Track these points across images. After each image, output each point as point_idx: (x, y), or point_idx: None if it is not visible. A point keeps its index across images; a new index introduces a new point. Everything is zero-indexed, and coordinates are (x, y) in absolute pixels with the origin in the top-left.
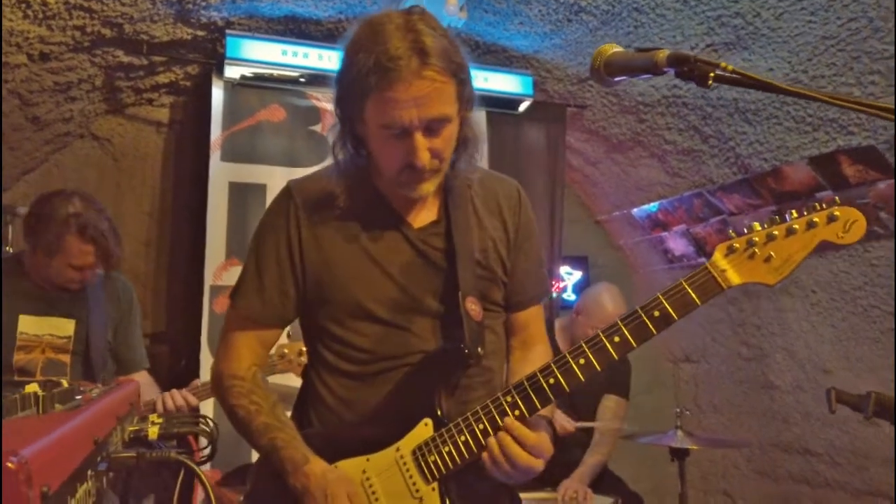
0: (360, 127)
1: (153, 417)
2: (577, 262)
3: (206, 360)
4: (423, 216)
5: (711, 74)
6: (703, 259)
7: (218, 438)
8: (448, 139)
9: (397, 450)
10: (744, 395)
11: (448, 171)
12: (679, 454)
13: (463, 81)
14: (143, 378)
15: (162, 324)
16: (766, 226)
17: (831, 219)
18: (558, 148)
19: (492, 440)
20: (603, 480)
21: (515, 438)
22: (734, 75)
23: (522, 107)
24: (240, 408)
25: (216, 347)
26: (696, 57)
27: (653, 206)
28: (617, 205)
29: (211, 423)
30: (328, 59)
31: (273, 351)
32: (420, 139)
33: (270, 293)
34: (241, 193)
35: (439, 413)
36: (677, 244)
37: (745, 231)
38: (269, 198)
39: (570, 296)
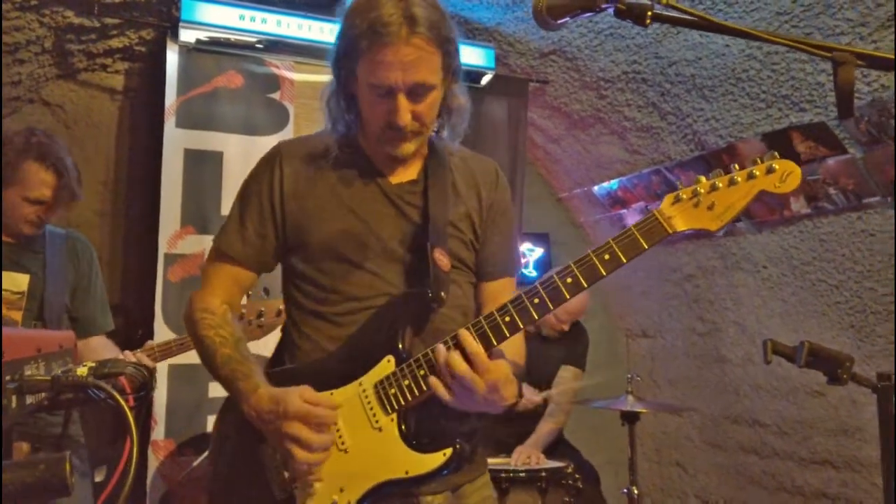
0: (354, 84)
1: (87, 362)
2: (539, 238)
3: (161, 330)
4: (403, 174)
5: (649, 13)
6: (672, 234)
7: (154, 388)
8: (430, 105)
9: (360, 384)
10: (697, 369)
11: (432, 137)
12: (629, 418)
13: (449, 53)
14: (101, 341)
15: (116, 294)
16: (711, 177)
17: (770, 170)
18: (520, 123)
19: (440, 346)
20: (557, 448)
21: (463, 351)
22: (671, 13)
23: (484, 80)
24: (206, 338)
25: (172, 314)
26: None
27: (613, 184)
28: (578, 182)
29: (146, 370)
30: (286, 26)
31: (252, 314)
32: (403, 101)
33: (251, 235)
34: (197, 161)
35: (401, 350)
36: (636, 221)
37: (693, 183)
38: (226, 166)
39: (531, 272)
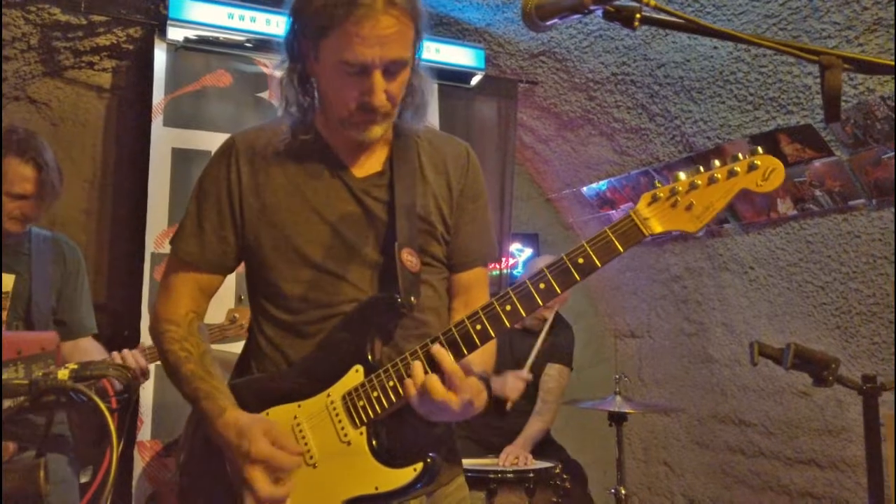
0: (313, 64)
1: (69, 364)
2: (528, 239)
3: (147, 329)
4: (367, 166)
5: (638, 16)
6: (649, 237)
7: (138, 388)
8: (402, 84)
9: (328, 395)
10: (685, 369)
11: (396, 121)
12: (617, 418)
13: (419, 28)
14: (88, 343)
15: (102, 293)
16: (689, 175)
17: (752, 167)
18: (509, 124)
19: (416, 364)
20: (545, 448)
21: (435, 366)
22: (660, 15)
23: (474, 80)
24: (170, 353)
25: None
26: None
27: (602, 185)
28: (567, 183)
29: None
30: (276, 25)
31: (224, 318)
32: (378, 79)
33: (209, 238)
34: (185, 159)
35: (370, 360)
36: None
37: (671, 181)
38: None
39: (520, 272)
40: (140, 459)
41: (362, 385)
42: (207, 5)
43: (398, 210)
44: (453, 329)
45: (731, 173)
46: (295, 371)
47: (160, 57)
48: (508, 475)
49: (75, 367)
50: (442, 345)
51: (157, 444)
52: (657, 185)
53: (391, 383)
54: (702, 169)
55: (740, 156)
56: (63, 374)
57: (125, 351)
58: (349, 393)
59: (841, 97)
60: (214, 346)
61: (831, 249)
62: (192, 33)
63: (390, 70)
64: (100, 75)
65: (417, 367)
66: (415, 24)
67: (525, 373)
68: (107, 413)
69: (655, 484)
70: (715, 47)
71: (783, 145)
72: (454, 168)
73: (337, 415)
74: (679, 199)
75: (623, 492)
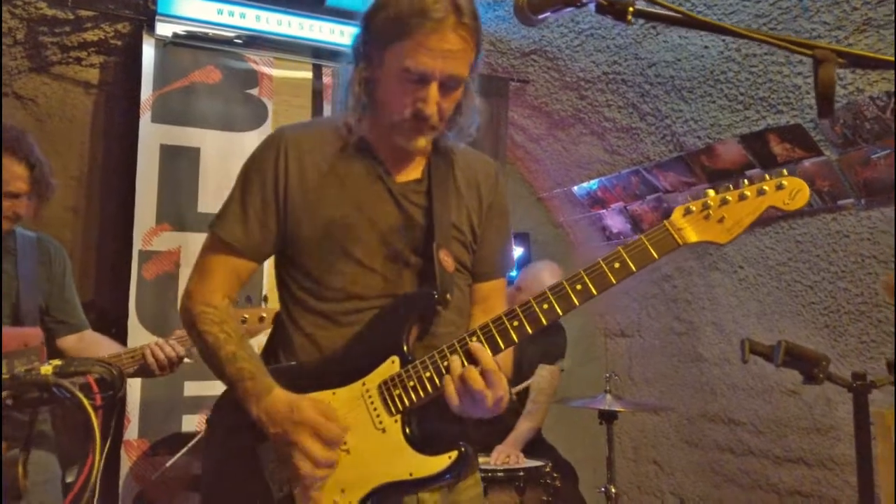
0: (375, 70)
1: (53, 361)
2: (519, 238)
3: (135, 328)
4: (407, 173)
5: (631, 9)
6: (639, 236)
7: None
8: (454, 101)
9: (363, 384)
10: (675, 368)
11: (437, 135)
12: (607, 417)
13: (478, 50)
14: (93, 335)
15: (89, 291)
16: (720, 192)
17: (779, 187)
18: (500, 122)
19: (455, 358)
20: (536, 447)
21: (476, 363)
22: (653, 9)
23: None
24: (209, 334)
25: (146, 312)
26: None
27: (592, 184)
28: (558, 182)
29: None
30: (266, 21)
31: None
32: (434, 90)
33: (252, 224)
34: (174, 156)
35: (406, 351)
36: (615, 221)
37: (703, 196)
38: (203, 161)
39: (512, 271)
40: (127, 459)
41: (399, 375)
42: (197, 1)
43: (435, 215)
44: (491, 324)
45: (760, 192)
46: (330, 360)
47: (148, 53)
48: (499, 474)
49: (59, 363)
50: (479, 340)
51: (145, 443)
52: (689, 199)
53: (427, 374)
54: (731, 187)
55: (767, 176)
56: (46, 370)
57: (160, 340)
58: (385, 382)
59: (834, 92)
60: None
61: (820, 249)
62: (180, 29)
63: (447, 84)
64: (87, 71)
65: (456, 360)
66: (477, 44)
67: (513, 390)
68: (90, 409)
69: (645, 482)
70: (706, 47)
71: (773, 145)
72: (485, 184)
73: (372, 402)
74: (711, 212)
75: (613, 490)
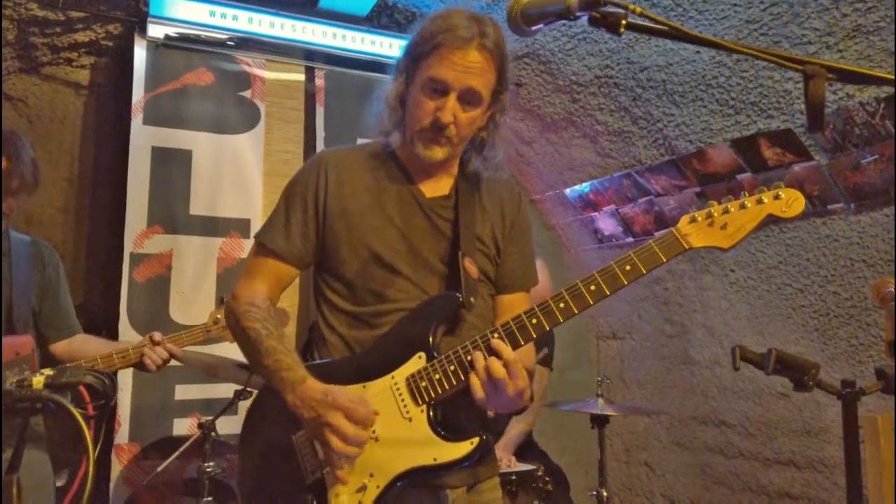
0: (410, 83)
1: (45, 370)
2: None
3: (126, 331)
4: (436, 189)
5: (623, 22)
6: (630, 239)
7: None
8: (471, 119)
9: (392, 377)
10: (666, 370)
11: (464, 158)
12: (599, 421)
13: (502, 80)
14: (83, 337)
15: (79, 294)
16: (722, 202)
17: (777, 197)
18: None
19: (478, 353)
20: (527, 450)
21: (498, 354)
22: (645, 22)
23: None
24: (252, 330)
25: (137, 315)
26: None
27: (584, 187)
28: (550, 184)
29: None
30: (258, 23)
31: (207, 318)
32: (453, 101)
33: (294, 232)
34: (165, 159)
35: (432, 348)
36: (607, 224)
37: (706, 206)
38: (195, 164)
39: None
40: (118, 463)
41: (425, 369)
42: (189, 2)
43: (462, 228)
44: (511, 322)
45: (759, 201)
46: (362, 357)
47: (140, 54)
48: None
49: (51, 372)
50: (500, 336)
51: (135, 446)
52: (693, 209)
53: (452, 368)
54: (732, 198)
55: (765, 188)
56: (38, 381)
57: (154, 334)
58: (412, 375)
59: (824, 107)
60: (198, 347)
61: (810, 253)
62: (172, 31)
63: (465, 98)
64: (78, 72)
65: (478, 354)
66: (498, 70)
67: None
68: (83, 424)
69: (636, 484)
70: (697, 52)
71: (763, 149)
72: (508, 204)
73: (400, 394)
74: (715, 220)
75: (605, 494)
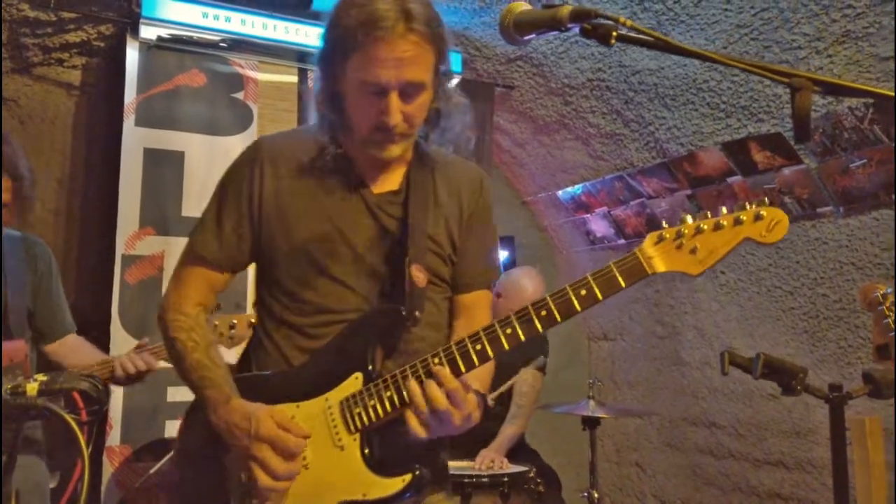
0: (341, 83)
1: (38, 376)
2: (504, 241)
3: (117, 333)
4: (385, 183)
5: (614, 33)
6: (622, 241)
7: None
8: (420, 106)
9: (326, 400)
10: (657, 372)
11: (418, 142)
12: (590, 423)
13: (441, 53)
14: (74, 341)
15: (71, 295)
16: (696, 219)
17: (757, 217)
18: (486, 127)
19: (412, 383)
20: (519, 452)
21: (439, 382)
22: (634, 34)
23: (451, 83)
24: (178, 341)
25: (129, 317)
26: (598, 12)
27: (577, 189)
28: (543, 186)
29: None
30: (251, 25)
31: (224, 327)
32: (395, 100)
33: (227, 236)
34: (157, 160)
35: (371, 369)
36: (599, 226)
37: (678, 222)
38: (188, 165)
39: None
40: (109, 465)
41: (360, 392)
42: (181, 4)
43: (411, 228)
44: (454, 347)
45: (737, 221)
46: (296, 373)
47: (132, 55)
48: (483, 479)
49: (44, 378)
50: (441, 361)
51: (127, 448)
52: (664, 225)
53: (388, 394)
54: (709, 214)
55: (747, 205)
56: (32, 388)
57: (131, 354)
58: (347, 399)
59: (810, 118)
60: None
61: (800, 255)
62: (165, 32)
63: (407, 92)
64: (69, 72)
65: (415, 388)
66: (436, 47)
67: (490, 400)
68: (78, 431)
69: (627, 485)
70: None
71: (754, 152)
72: (467, 192)
73: (333, 419)
74: (684, 241)
75: (596, 494)
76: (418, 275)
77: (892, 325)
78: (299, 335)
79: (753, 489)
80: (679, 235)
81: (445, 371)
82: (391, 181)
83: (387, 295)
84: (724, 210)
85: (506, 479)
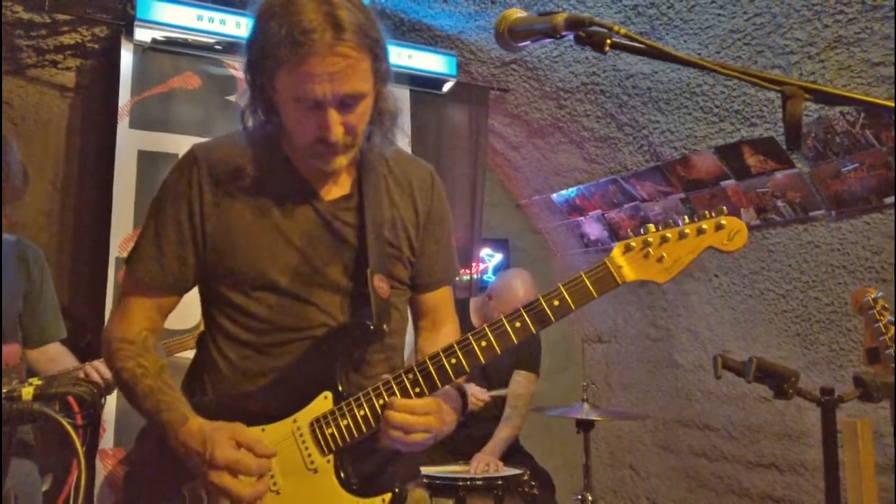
0: (272, 94)
1: (33, 380)
2: (498, 244)
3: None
4: (335, 190)
5: (608, 41)
6: (615, 243)
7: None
8: (362, 114)
9: (294, 421)
10: (651, 374)
11: (363, 144)
12: (584, 426)
13: (378, 57)
14: (58, 349)
15: (64, 298)
16: (660, 228)
17: (718, 227)
18: (480, 130)
19: (390, 413)
20: (513, 455)
21: (405, 410)
22: (628, 41)
23: (446, 87)
24: (125, 370)
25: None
26: (592, 20)
27: (571, 192)
28: (537, 189)
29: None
30: (246, 27)
31: (198, 324)
32: (333, 114)
33: (169, 260)
34: (151, 162)
35: (340, 387)
36: (593, 229)
37: (642, 231)
38: None
39: (490, 277)
40: (102, 468)
41: (332, 412)
42: (176, 6)
43: (368, 234)
44: (428, 362)
45: (700, 231)
46: (260, 394)
47: (126, 57)
48: (477, 482)
49: (40, 382)
50: (416, 377)
51: (120, 451)
52: (630, 234)
53: (362, 413)
54: (672, 223)
55: (707, 213)
56: (27, 392)
57: (97, 362)
58: (317, 420)
59: (802, 126)
60: (191, 353)
61: (792, 259)
62: (159, 34)
63: (345, 103)
64: (63, 74)
65: (391, 414)
66: (371, 53)
67: (487, 396)
68: (75, 436)
69: (621, 487)
70: None
71: (747, 156)
72: (420, 191)
73: (304, 441)
74: (651, 250)
75: (590, 497)
76: (381, 285)
77: (883, 329)
78: (259, 354)
79: (746, 491)
80: (646, 245)
81: (409, 403)
82: (341, 186)
83: (350, 308)
84: (686, 219)
85: (500, 481)
